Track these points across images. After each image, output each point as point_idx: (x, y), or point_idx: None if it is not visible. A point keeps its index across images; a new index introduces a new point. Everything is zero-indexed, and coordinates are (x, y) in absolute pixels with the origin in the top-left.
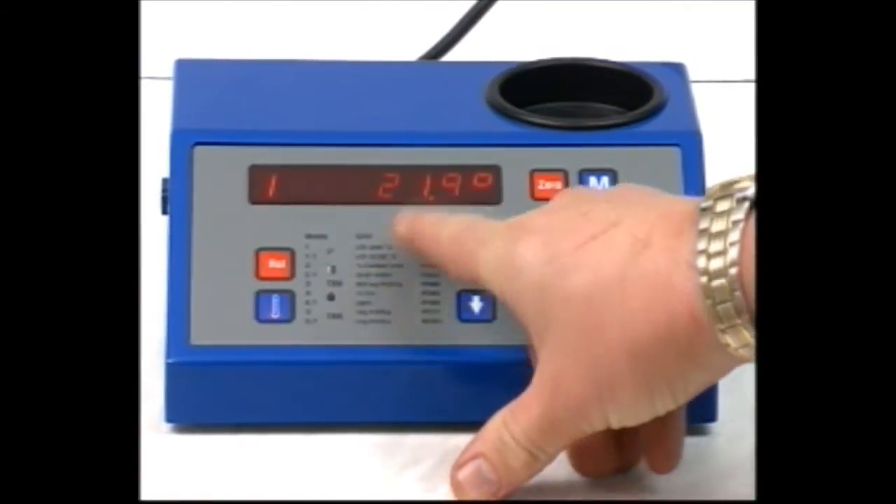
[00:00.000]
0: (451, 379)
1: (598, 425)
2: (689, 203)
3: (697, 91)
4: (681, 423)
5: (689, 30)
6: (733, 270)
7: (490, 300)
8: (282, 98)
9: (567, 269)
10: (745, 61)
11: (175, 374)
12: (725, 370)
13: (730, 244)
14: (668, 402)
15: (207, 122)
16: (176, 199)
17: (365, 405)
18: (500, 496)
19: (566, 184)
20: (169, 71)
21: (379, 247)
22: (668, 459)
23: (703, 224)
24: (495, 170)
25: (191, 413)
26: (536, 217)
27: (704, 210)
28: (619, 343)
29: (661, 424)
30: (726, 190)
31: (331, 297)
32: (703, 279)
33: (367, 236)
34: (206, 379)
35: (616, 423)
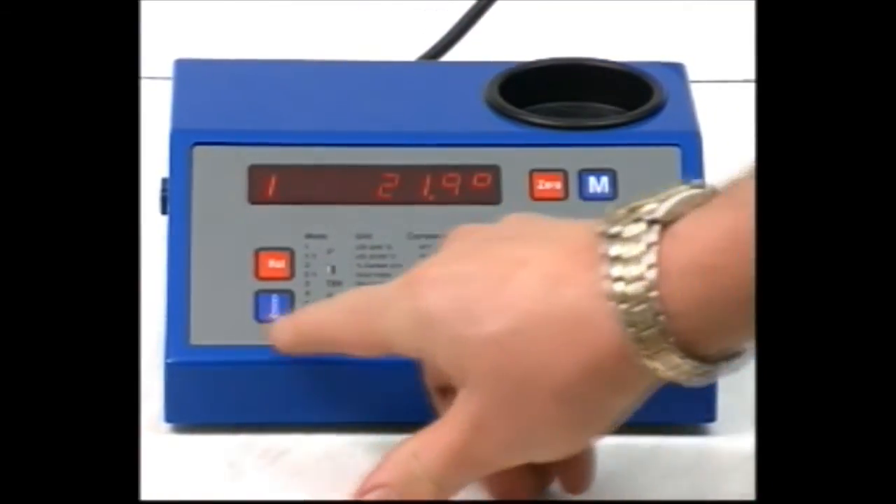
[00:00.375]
0: None
1: (519, 462)
2: (589, 230)
3: (697, 91)
4: (591, 446)
5: (688, 30)
6: (653, 294)
7: None
8: (281, 98)
9: (481, 317)
10: (744, 61)
11: (174, 373)
12: (648, 393)
13: (647, 267)
14: (591, 433)
15: (207, 121)
16: (175, 198)
17: (365, 405)
18: None
19: (565, 183)
20: (169, 71)
21: (378, 247)
22: (581, 480)
23: (615, 251)
24: (495, 170)
25: (190, 413)
26: (435, 267)
27: (613, 237)
28: (546, 387)
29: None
30: (633, 214)
31: (330, 297)
32: (623, 306)
33: (367, 236)
34: (206, 379)
35: (541, 459)
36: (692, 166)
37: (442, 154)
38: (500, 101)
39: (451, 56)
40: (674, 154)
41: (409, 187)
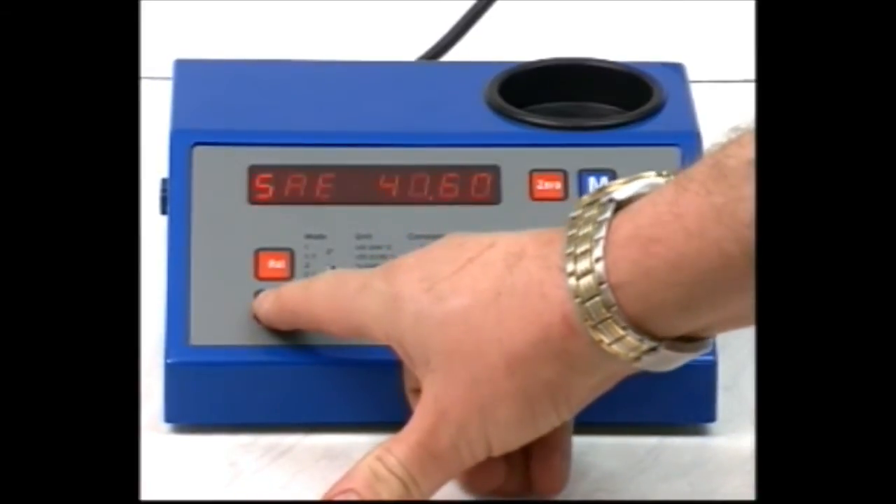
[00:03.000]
0: None
1: (479, 451)
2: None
3: (697, 91)
4: (566, 443)
5: (688, 30)
6: (599, 266)
7: None
8: (281, 98)
9: (444, 295)
10: (744, 61)
11: (174, 374)
12: (607, 375)
13: (595, 241)
14: (549, 414)
15: (207, 122)
16: (175, 199)
17: (365, 405)
18: None
19: (565, 183)
20: (168, 71)
21: (378, 247)
22: (553, 480)
23: (571, 231)
24: (494, 170)
25: (190, 413)
26: (411, 256)
27: (574, 218)
28: (498, 358)
29: (545, 445)
30: (595, 196)
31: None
32: (572, 280)
33: (367, 236)
34: (206, 379)
35: (498, 446)
36: None
37: (442, 154)
38: (500, 101)
39: (451, 56)
40: (674, 154)
41: (408, 187)
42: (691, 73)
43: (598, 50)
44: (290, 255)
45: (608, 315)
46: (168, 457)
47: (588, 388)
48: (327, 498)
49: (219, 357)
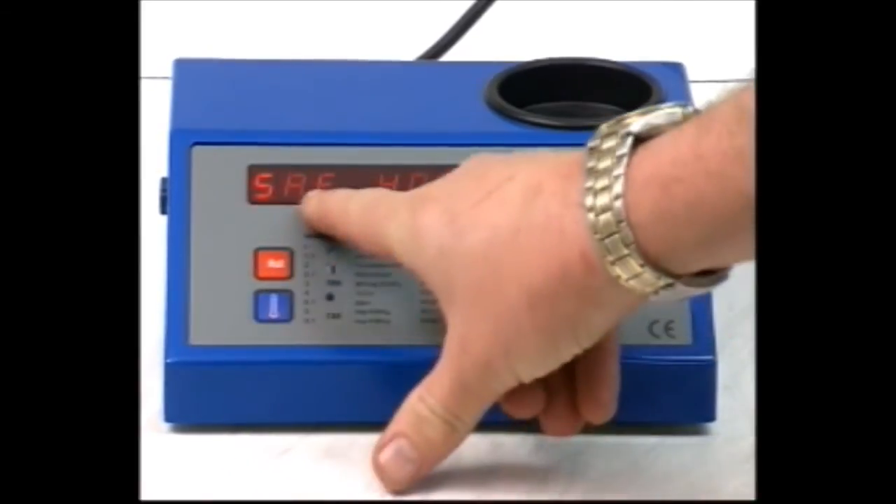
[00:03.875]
0: None
1: (509, 381)
2: (582, 151)
3: (696, 91)
4: (611, 370)
5: (688, 30)
6: (618, 203)
7: None
8: (281, 98)
9: (464, 229)
10: (744, 61)
11: (174, 373)
12: (625, 307)
13: (614, 178)
14: (571, 345)
15: (206, 121)
16: (175, 198)
17: (364, 405)
18: (422, 474)
19: None
20: (168, 71)
21: None
22: (599, 408)
23: (590, 163)
24: None
25: (190, 413)
26: (436, 185)
27: (591, 150)
28: (518, 295)
29: (589, 375)
30: (612, 128)
31: (330, 297)
32: (591, 216)
33: None
34: (205, 379)
35: (526, 375)
36: None
37: (441, 154)
38: (500, 101)
39: (451, 56)
40: None
41: (408, 187)
42: (691, 73)
43: (597, 50)
44: (290, 254)
45: (626, 252)
46: (168, 457)
47: (607, 320)
48: (379, 446)
49: (218, 357)
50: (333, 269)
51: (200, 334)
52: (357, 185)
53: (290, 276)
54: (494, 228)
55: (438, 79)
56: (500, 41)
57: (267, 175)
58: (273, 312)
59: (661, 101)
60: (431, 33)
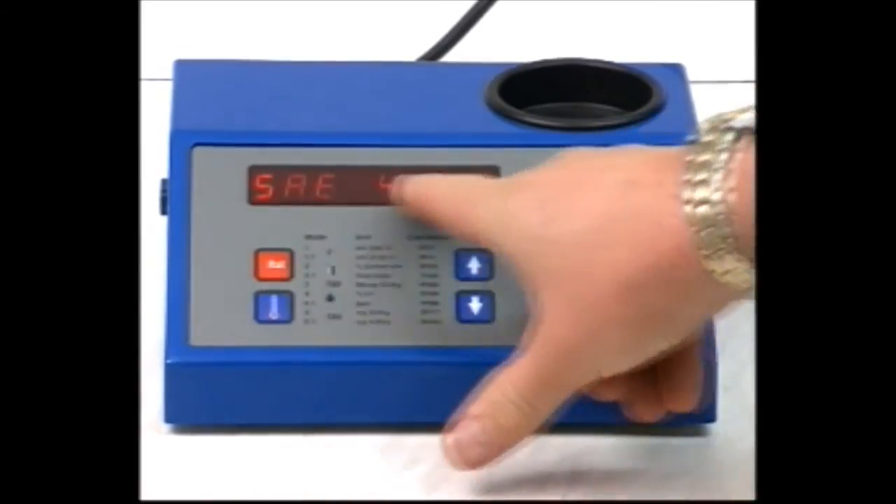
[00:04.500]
0: (450, 379)
1: (589, 374)
2: (682, 146)
3: (696, 91)
4: (694, 359)
5: (688, 30)
6: (716, 196)
7: (489, 299)
8: (281, 98)
9: (557, 217)
10: (744, 61)
11: (174, 374)
12: (716, 303)
13: (714, 170)
14: (658, 340)
15: (207, 122)
16: (175, 199)
17: (364, 406)
18: (491, 458)
19: None
20: (169, 72)
21: (378, 247)
22: (682, 397)
23: (690, 156)
24: (494, 170)
25: (190, 414)
26: (530, 173)
27: (692, 143)
28: (608, 284)
29: (672, 363)
30: (713, 123)
31: (330, 298)
32: (688, 208)
33: (367, 237)
34: (206, 380)
35: (607, 369)
36: None
37: (442, 154)
38: (500, 102)
39: (451, 57)
40: None
41: None
42: (691, 74)
43: (598, 50)
44: (290, 255)
45: (723, 245)
46: (168, 457)
47: (697, 315)
48: (452, 423)
49: (219, 357)
50: (333, 270)
51: (201, 335)
52: (357, 185)
53: (291, 277)
54: (588, 216)
55: (439, 80)
56: (501, 42)
57: (267, 176)
58: (273, 313)
59: (662, 102)
60: (432, 34)
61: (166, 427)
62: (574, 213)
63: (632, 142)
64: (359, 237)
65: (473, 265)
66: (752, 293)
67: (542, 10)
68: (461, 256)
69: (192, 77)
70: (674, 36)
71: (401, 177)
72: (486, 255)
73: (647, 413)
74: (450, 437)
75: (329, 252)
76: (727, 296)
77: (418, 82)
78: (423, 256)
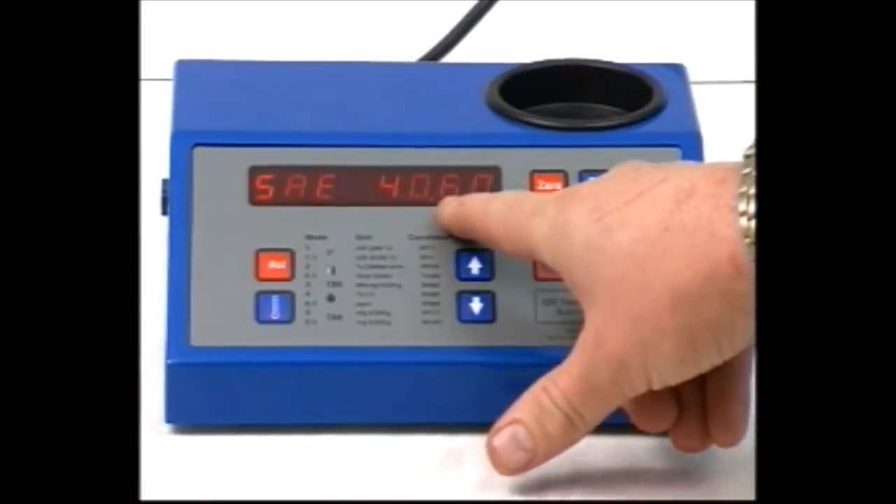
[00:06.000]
0: (451, 379)
1: (640, 385)
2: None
3: (697, 92)
4: (744, 391)
5: (689, 30)
6: None
7: (490, 299)
8: (282, 99)
9: (613, 227)
10: (744, 62)
11: (175, 374)
12: None
13: None
14: (711, 353)
15: (207, 123)
16: (176, 199)
17: (365, 406)
18: (535, 464)
19: (566, 185)
20: (169, 72)
21: (379, 248)
22: (731, 431)
23: (746, 169)
24: (495, 171)
25: (191, 414)
26: (585, 185)
27: (749, 157)
28: (662, 295)
29: (722, 394)
30: None
31: (331, 298)
32: (743, 220)
33: (367, 237)
34: (206, 380)
35: (658, 381)
36: None
37: (442, 155)
38: (501, 102)
39: (452, 57)
40: (674, 155)
41: (409, 188)
42: (692, 74)
43: (598, 50)
44: (291, 255)
45: None
46: (168, 457)
47: (751, 329)
48: (495, 429)
49: (219, 358)
50: (334, 271)
51: (201, 335)
52: (358, 185)
53: (292, 277)
54: (643, 227)
55: (440, 80)
56: (502, 42)
57: (268, 176)
58: (274, 313)
59: (663, 102)
60: (433, 35)
61: (167, 427)
62: (630, 223)
63: (632, 142)
64: (359, 237)
65: (474, 265)
66: None
67: (542, 10)
68: (462, 256)
69: (192, 77)
70: (674, 36)
71: (446, 199)
72: (487, 256)
73: (694, 443)
74: (495, 440)
75: (330, 252)
76: None
77: (419, 82)
78: (423, 256)
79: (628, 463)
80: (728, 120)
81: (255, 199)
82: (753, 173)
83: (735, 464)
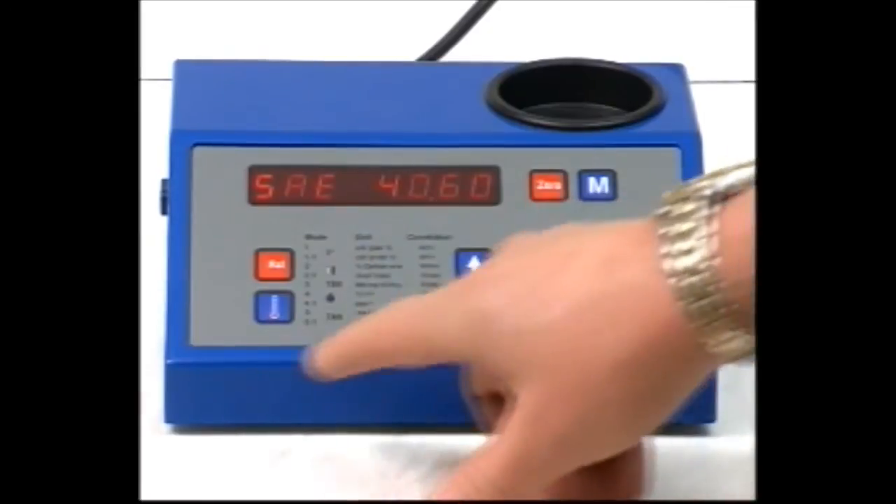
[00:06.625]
0: (450, 379)
1: (577, 461)
2: (640, 220)
3: (697, 91)
4: (640, 448)
5: (688, 30)
6: (705, 265)
7: None
8: (281, 98)
9: (543, 305)
10: (744, 61)
11: (174, 374)
12: (707, 372)
13: (698, 240)
14: (653, 417)
15: (207, 122)
16: (175, 199)
17: (365, 406)
18: None
19: (565, 184)
20: (169, 72)
21: (378, 247)
22: (633, 486)
23: (663, 229)
24: (494, 170)
25: (190, 414)
26: (487, 269)
27: (664, 216)
28: (604, 366)
29: (623, 453)
30: (681, 193)
31: (330, 298)
32: (673, 281)
33: (367, 237)
34: (206, 380)
35: (598, 454)
36: (692, 167)
37: (442, 155)
38: (500, 102)
39: (451, 56)
40: (674, 155)
41: (408, 188)
42: (691, 74)
43: (598, 50)
44: (290, 255)
45: (716, 318)
46: (168, 457)
47: (691, 386)
48: None
49: (219, 358)
50: (334, 270)
51: (201, 335)
52: (357, 185)
53: (291, 276)
54: (570, 302)
55: (439, 79)
56: (501, 42)
57: (267, 176)
58: (273, 313)
59: (662, 102)
60: (432, 34)
61: (166, 427)
62: (554, 301)
63: (631, 141)
64: (359, 237)
65: (473, 265)
66: (745, 360)
67: (542, 10)
68: (461, 256)
69: (192, 77)
70: (674, 36)
71: (313, 352)
72: (487, 255)
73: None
74: None
75: (329, 252)
76: (717, 364)
77: (418, 82)
78: (423, 256)
79: None
80: (728, 120)
81: (254, 199)
82: (674, 230)
83: (735, 464)
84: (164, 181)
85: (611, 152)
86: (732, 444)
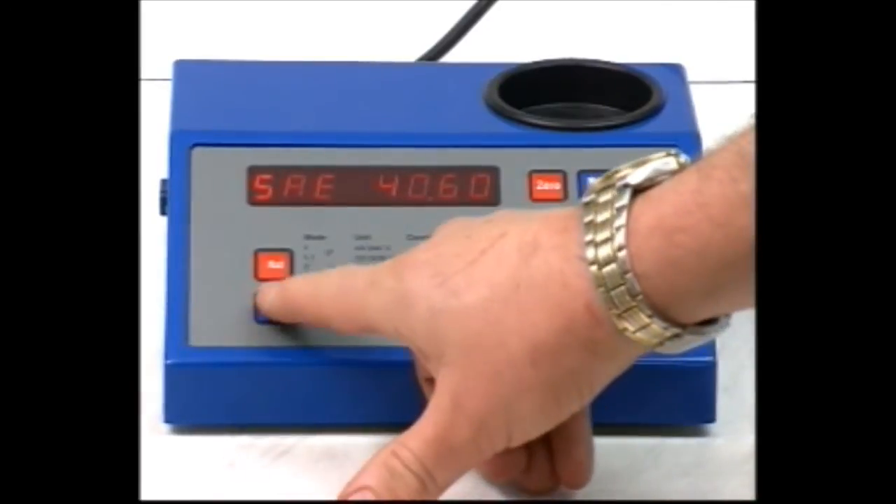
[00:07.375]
0: None
1: (499, 443)
2: (571, 207)
3: (696, 92)
4: (587, 435)
5: (688, 30)
6: (622, 254)
7: None
8: (281, 99)
9: (459, 289)
10: (744, 62)
11: (174, 375)
12: (629, 359)
13: (615, 229)
14: (573, 401)
15: (206, 123)
16: (175, 200)
17: (364, 406)
18: None
19: (565, 184)
20: (168, 72)
21: (377, 248)
22: (578, 473)
23: (588, 217)
24: (494, 171)
25: (190, 414)
26: (418, 251)
27: (587, 204)
28: (521, 350)
29: (567, 438)
30: (606, 181)
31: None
32: (594, 268)
33: (366, 237)
34: (205, 380)
35: (519, 437)
36: None
37: (441, 155)
38: (500, 102)
39: (451, 57)
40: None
41: (408, 188)
42: (691, 74)
43: (598, 50)
44: (290, 255)
45: (633, 304)
46: (168, 457)
47: (611, 373)
48: (342, 497)
49: (218, 358)
50: None
51: (200, 335)
52: (356, 185)
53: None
54: (493, 285)
55: (438, 80)
56: (501, 42)
57: (267, 176)
58: None
59: (661, 102)
60: (432, 34)
61: (166, 427)
62: (478, 283)
63: (631, 142)
64: (358, 237)
65: None
66: (663, 347)
67: (542, 10)
68: None
69: (192, 77)
70: (674, 36)
71: (262, 286)
72: None
73: (543, 487)
74: None
75: (328, 252)
76: (637, 350)
77: (418, 82)
78: None
79: (628, 463)
80: (727, 120)
81: (253, 199)
82: (597, 218)
83: (735, 464)
84: (163, 181)
85: (610, 152)
86: (732, 444)
